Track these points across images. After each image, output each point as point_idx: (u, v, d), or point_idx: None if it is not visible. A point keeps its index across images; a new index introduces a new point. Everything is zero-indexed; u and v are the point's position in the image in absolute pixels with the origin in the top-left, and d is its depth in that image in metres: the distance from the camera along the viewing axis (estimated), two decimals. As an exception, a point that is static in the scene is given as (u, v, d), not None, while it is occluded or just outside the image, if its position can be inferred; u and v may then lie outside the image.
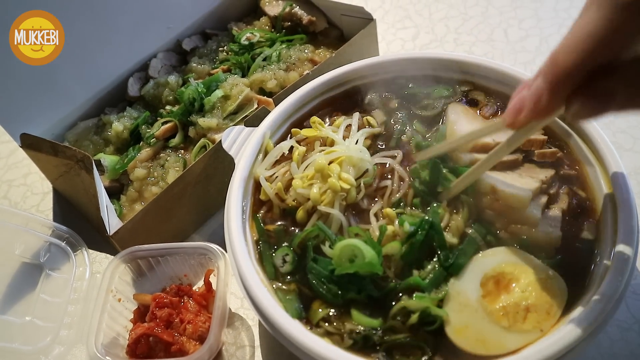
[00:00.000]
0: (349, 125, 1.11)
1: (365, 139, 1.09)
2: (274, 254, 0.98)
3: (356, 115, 1.12)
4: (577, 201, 0.98)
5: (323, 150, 1.05)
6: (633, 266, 0.84)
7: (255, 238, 1.01)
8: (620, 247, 0.86)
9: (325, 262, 0.92)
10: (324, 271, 0.91)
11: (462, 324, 0.85)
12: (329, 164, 1.01)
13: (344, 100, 1.21)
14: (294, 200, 1.01)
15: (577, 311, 0.82)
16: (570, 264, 0.91)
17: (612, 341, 1.02)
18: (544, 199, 0.96)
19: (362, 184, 1.00)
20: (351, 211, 1.00)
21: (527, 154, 1.02)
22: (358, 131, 1.10)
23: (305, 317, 0.91)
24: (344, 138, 1.08)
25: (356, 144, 1.06)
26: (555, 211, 0.96)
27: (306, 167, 1.03)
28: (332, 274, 0.90)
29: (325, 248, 0.93)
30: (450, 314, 0.86)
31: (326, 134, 1.07)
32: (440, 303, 0.88)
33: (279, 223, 1.02)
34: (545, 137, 1.04)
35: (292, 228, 1.01)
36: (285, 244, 0.99)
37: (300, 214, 0.99)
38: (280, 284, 0.95)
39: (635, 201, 0.90)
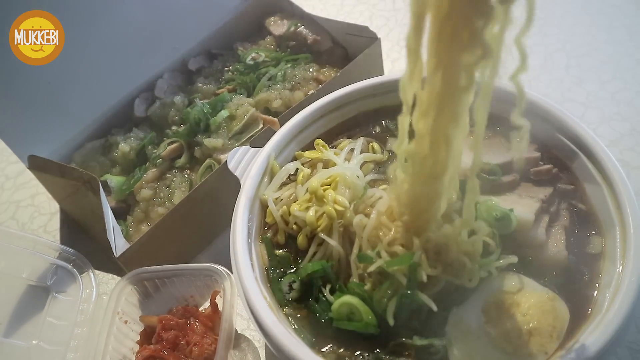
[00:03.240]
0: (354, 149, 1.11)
1: (367, 163, 1.09)
2: (280, 280, 0.97)
3: (360, 139, 1.13)
4: (579, 216, 0.98)
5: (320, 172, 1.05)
6: (643, 287, 0.83)
7: (264, 261, 1.01)
8: (629, 267, 0.85)
9: (326, 306, 0.91)
10: (324, 315, 0.91)
11: (466, 353, 0.84)
12: (327, 185, 1.00)
13: (354, 127, 1.20)
14: (294, 224, 1.01)
15: (586, 333, 0.82)
16: (576, 284, 0.91)
17: (623, 363, 1.01)
18: (546, 218, 0.95)
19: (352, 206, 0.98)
20: (347, 238, 0.97)
21: (523, 173, 1.02)
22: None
23: (316, 342, 0.91)
24: (346, 161, 1.07)
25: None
26: (559, 229, 0.95)
27: (306, 190, 1.03)
28: (331, 320, 0.90)
29: (326, 292, 0.93)
30: (453, 343, 0.85)
31: (328, 157, 1.07)
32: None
33: (286, 250, 1.02)
34: (539, 154, 1.04)
35: (298, 256, 1.00)
36: (292, 270, 0.98)
37: (300, 239, 0.99)
38: (291, 310, 0.94)
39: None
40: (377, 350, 0.87)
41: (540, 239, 0.92)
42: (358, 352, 0.88)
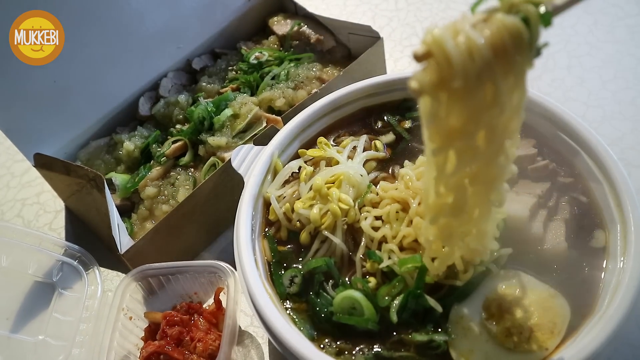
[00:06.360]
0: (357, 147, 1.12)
1: (370, 161, 1.10)
2: (282, 274, 0.98)
3: (363, 137, 1.14)
4: (580, 209, 0.98)
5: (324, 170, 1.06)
6: (642, 285, 0.84)
7: (266, 257, 1.02)
8: (629, 266, 0.86)
9: (327, 300, 0.93)
10: (324, 309, 0.92)
11: (467, 348, 0.85)
12: (331, 184, 1.02)
13: (356, 122, 1.21)
14: (298, 221, 1.02)
15: (586, 330, 0.83)
16: (577, 279, 0.91)
17: (624, 360, 1.02)
18: (543, 213, 0.96)
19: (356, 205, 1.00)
20: (350, 236, 1.00)
21: (520, 170, 1.03)
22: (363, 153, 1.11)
23: (316, 336, 0.92)
24: (349, 159, 1.09)
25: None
26: (558, 223, 0.96)
27: (310, 188, 1.04)
28: (331, 315, 0.91)
29: (328, 288, 0.95)
30: (454, 339, 0.86)
31: (331, 155, 1.08)
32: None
33: (289, 246, 1.03)
34: (536, 150, 1.05)
35: (301, 250, 1.02)
36: (295, 265, 1.00)
37: (303, 236, 1.01)
38: (292, 304, 0.96)
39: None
40: (377, 345, 0.89)
41: (537, 233, 0.93)
42: (358, 348, 0.89)
